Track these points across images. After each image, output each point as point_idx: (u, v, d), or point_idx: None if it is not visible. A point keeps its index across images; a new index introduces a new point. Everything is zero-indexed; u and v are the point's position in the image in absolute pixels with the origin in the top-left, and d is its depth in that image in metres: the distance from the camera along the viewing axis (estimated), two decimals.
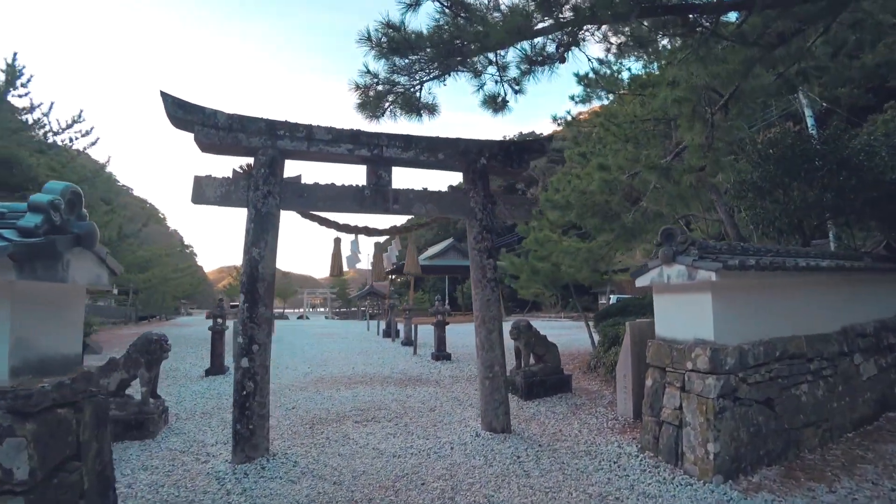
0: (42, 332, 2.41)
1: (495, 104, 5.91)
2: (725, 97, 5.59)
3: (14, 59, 11.56)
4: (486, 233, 5.18)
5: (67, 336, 2.57)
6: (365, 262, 4.85)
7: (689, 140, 5.65)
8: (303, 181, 4.80)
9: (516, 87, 5.77)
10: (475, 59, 5.45)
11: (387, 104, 5.82)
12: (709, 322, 4.07)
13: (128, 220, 17.43)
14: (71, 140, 12.46)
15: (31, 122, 11.77)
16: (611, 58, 9.41)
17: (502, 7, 4.32)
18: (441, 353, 11.35)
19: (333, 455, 4.44)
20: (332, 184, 4.81)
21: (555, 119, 11.00)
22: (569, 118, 10.55)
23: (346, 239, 4.99)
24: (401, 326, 16.44)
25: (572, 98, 9.90)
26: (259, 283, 4.36)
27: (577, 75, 9.73)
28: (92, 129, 12.91)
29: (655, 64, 8.25)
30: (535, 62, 4.33)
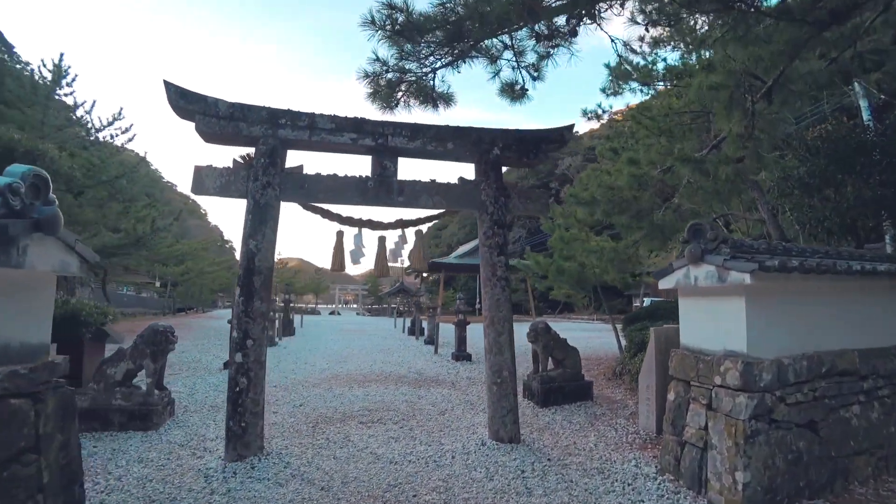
0: None
1: (513, 92, 5.56)
2: (768, 84, 5.01)
3: (60, 60, 12.20)
4: (497, 228, 4.86)
5: (29, 324, 2.47)
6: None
7: (726, 129, 5.12)
8: (305, 172, 4.64)
9: (534, 74, 5.41)
10: (489, 43, 5.15)
11: (399, 94, 5.61)
12: (741, 331, 3.58)
13: (168, 214, 18.06)
14: (112, 137, 13.02)
15: (74, 119, 12.36)
16: (644, 48, 8.88)
17: None
18: (461, 354, 11.07)
19: (329, 458, 4.25)
20: (335, 174, 4.63)
21: (585, 113, 10.48)
22: (599, 111, 10.02)
23: (350, 233, 4.79)
24: (426, 324, 16.31)
25: (603, 90, 9.37)
26: (255, 276, 4.23)
27: (607, 66, 9.22)
28: (131, 126, 13.45)
29: (695, 55, 7.64)
30: (543, 38, 3.95)
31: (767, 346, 3.60)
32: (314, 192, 4.59)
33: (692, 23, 5.03)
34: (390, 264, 4.92)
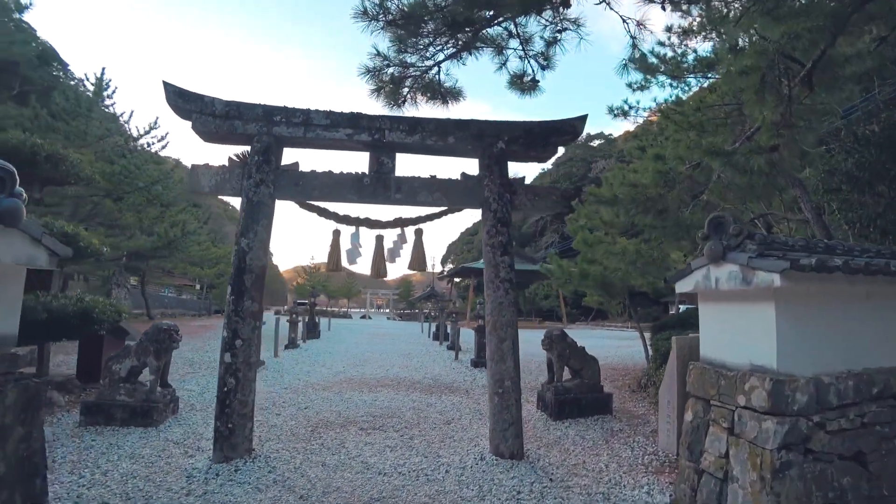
0: None
1: (522, 84, 5.27)
2: (807, 66, 4.47)
3: (102, 74, 12.96)
4: (500, 226, 4.56)
5: None
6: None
7: (758, 117, 4.61)
8: (301, 169, 4.53)
9: (543, 62, 5.11)
10: (492, 31, 4.89)
11: (405, 90, 5.44)
12: (770, 343, 3.09)
13: (214, 218, 18.66)
14: (148, 144, 13.69)
15: (114, 129, 13.07)
16: (673, 39, 8.32)
17: None
18: (480, 360, 10.73)
19: (317, 465, 4.07)
20: (330, 171, 4.49)
21: (611, 110, 9.99)
22: (626, 107, 9.50)
23: (347, 232, 4.63)
24: (450, 329, 16.07)
25: (629, 86, 8.87)
26: (246, 274, 4.14)
27: (632, 59, 8.72)
28: (167, 134, 14.11)
29: (722, 39, 7.06)
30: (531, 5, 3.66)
31: (803, 361, 3.10)
32: (309, 189, 4.46)
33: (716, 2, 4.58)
34: (389, 264, 4.71)
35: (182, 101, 4.41)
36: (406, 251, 4.81)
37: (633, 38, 4.36)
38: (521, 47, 5.00)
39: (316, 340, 16.12)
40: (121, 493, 3.37)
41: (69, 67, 20.29)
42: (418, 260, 4.70)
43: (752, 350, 3.22)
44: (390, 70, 5.22)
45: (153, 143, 13.99)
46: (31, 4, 15.98)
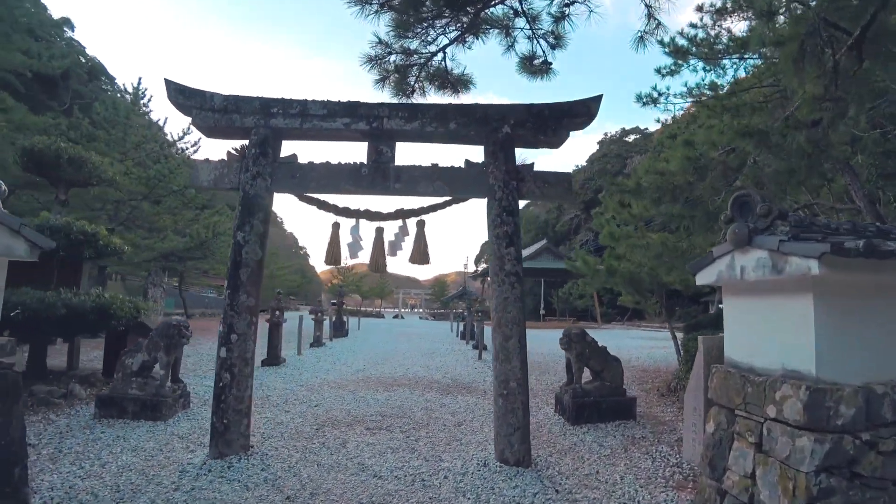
0: None
1: (533, 67, 4.97)
2: (855, 34, 3.91)
3: (139, 84, 13.58)
4: (506, 215, 4.28)
5: None
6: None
7: (797, 88, 4.11)
8: (299, 162, 4.43)
9: (553, 41, 4.79)
10: (496, 11, 4.62)
11: (412, 79, 5.26)
12: (807, 343, 2.63)
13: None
14: (181, 150, 14.22)
15: (150, 135, 13.65)
16: (706, 19, 7.73)
17: None
18: None
19: (312, 464, 3.94)
20: (327, 162, 4.36)
21: (639, 98, 9.42)
22: (655, 94, 8.93)
23: (347, 224, 4.49)
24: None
25: (658, 71, 8.34)
26: (242, 268, 4.07)
27: (661, 42, 8.18)
28: (199, 139, 14.60)
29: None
30: None
31: (848, 365, 2.62)
32: (306, 181, 4.35)
33: None
34: (389, 257, 4.53)
35: (183, 97, 4.41)
36: (408, 244, 4.61)
37: (647, 6, 3.94)
38: (528, 26, 4.71)
39: (343, 339, 16.25)
40: (112, 486, 3.35)
41: (116, 81, 21.51)
42: (420, 253, 4.49)
43: (784, 352, 2.77)
44: (393, 58, 5.06)
45: (187, 148, 14.59)
46: (71, 24, 16.92)
